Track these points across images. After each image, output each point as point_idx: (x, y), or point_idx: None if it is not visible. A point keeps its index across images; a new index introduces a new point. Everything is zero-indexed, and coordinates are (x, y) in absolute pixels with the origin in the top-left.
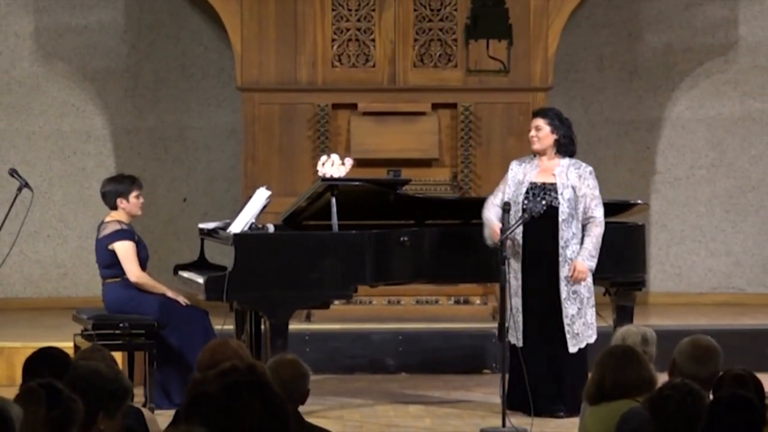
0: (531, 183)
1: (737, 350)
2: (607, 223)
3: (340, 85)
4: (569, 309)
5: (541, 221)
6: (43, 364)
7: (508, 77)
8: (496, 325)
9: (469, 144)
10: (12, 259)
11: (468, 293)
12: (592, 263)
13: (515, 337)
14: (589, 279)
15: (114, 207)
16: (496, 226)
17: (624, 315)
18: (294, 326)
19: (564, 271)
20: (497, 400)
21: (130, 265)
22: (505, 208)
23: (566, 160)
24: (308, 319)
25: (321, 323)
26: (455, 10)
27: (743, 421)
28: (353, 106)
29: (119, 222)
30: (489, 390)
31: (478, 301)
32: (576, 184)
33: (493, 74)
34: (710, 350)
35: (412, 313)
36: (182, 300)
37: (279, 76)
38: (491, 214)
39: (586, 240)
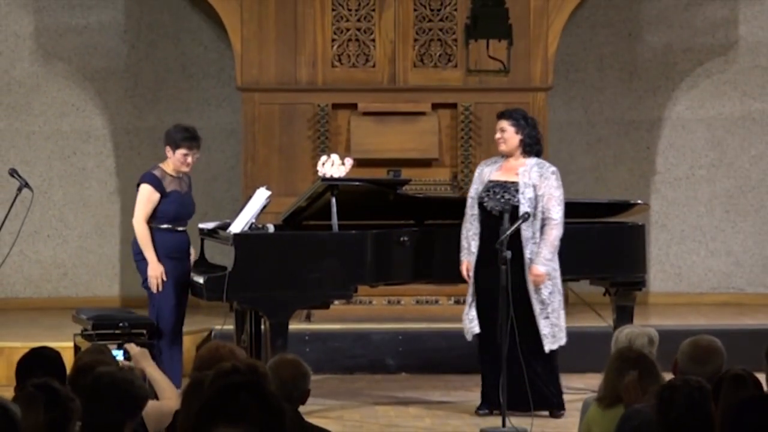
0: (492, 181)
1: (737, 350)
2: (607, 223)
3: (340, 85)
4: (534, 309)
5: (502, 220)
6: (36, 364)
7: (508, 77)
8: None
9: (469, 144)
10: (12, 259)
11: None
12: (548, 267)
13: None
14: (558, 282)
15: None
16: (467, 262)
17: (624, 315)
18: (294, 326)
19: (526, 271)
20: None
21: (137, 208)
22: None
23: (532, 160)
24: (308, 319)
25: (321, 323)
26: (455, 10)
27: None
28: (353, 106)
29: (162, 169)
30: None
31: None
32: (537, 183)
33: (493, 74)
34: (710, 350)
35: (412, 313)
36: (158, 282)
37: (279, 76)
38: (465, 238)
39: (541, 244)
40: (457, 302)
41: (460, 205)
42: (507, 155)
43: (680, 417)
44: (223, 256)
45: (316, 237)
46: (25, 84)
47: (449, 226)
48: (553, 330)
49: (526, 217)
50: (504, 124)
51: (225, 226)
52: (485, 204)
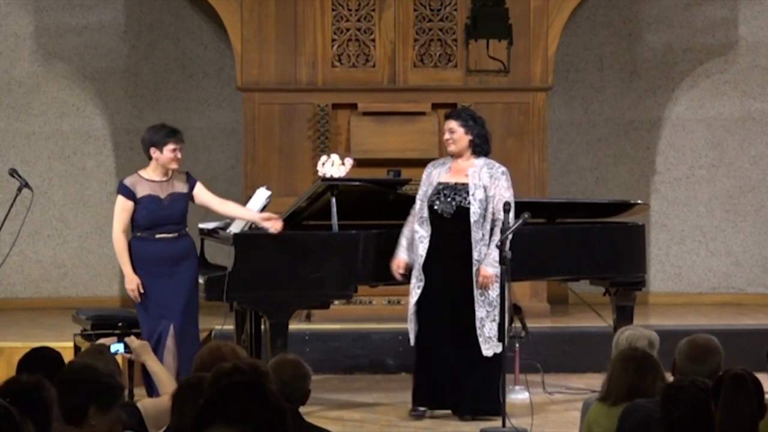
0: (441, 183)
1: (737, 350)
2: (607, 223)
3: (340, 85)
4: (478, 312)
5: (452, 222)
6: (36, 364)
7: (508, 77)
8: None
9: None
10: (12, 259)
11: None
12: (497, 269)
13: (412, 337)
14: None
15: (149, 157)
16: (400, 260)
17: (624, 315)
18: (294, 326)
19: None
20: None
21: (114, 221)
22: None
23: (481, 161)
24: (308, 319)
25: (321, 323)
26: (455, 10)
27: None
28: (353, 106)
29: (138, 175)
30: None
31: None
32: (487, 185)
33: (493, 74)
34: (708, 349)
35: None
36: (135, 294)
37: (279, 76)
38: (405, 237)
39: (490, 245)
40: None
41: None
42: (456, 156)
43: (684, 416)
44: (223, 256)
45: (316, 237)
46: (25, 84)
47: None
48: (497, 333)
49: (526, 217)
50: (453, 124)
51: (225, 226)
52: (436, 207)
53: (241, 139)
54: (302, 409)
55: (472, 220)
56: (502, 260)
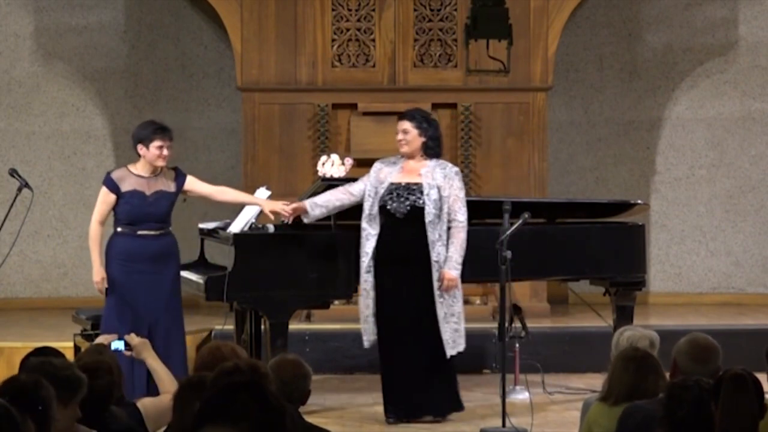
0: (393, 183)
1: (737, 350)
2: (607, 223)
3: (340, 85)
4: (439, 313)
5: (406, 222)
6: None
7: (508, 77)
8: (496, 325)
9: (469, 144)
10: (12, 259)
11: (468, 293)
12: (459, 271)
13: (368, 339)
14: (460, 286)
15: (138, 153)
16: (304, 205)
17: (624, 315)
18: (294, 326)
19: (433, 274)
20: (497, 400)
21: (94, 210)
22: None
23: (432, 162)
24: (308, 319)
25: (321, 323)
26: (455, 10)
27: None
28: (353, 106)
29: (126, 169)
30: (489, 390)
31: (478, 301)
32: (441, 185)
33: (493, 74)
34: (709, 349)
35: None
36: (99, 287)
37: (279, 76)
38: (327, 194)
39: (450, 248)
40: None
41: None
42: (408, 157)
43: (687, 416)
44: (223, 256)
45: (316, 237)
46: (25, 84)
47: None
48: (454, 335)
49: (526, 217)
50: (407, 125)
51: (225, 226)
52: (388, 206)
53: (241, 139)
54: (302, 409)
55: (426, 220)
56: (502, 260)
